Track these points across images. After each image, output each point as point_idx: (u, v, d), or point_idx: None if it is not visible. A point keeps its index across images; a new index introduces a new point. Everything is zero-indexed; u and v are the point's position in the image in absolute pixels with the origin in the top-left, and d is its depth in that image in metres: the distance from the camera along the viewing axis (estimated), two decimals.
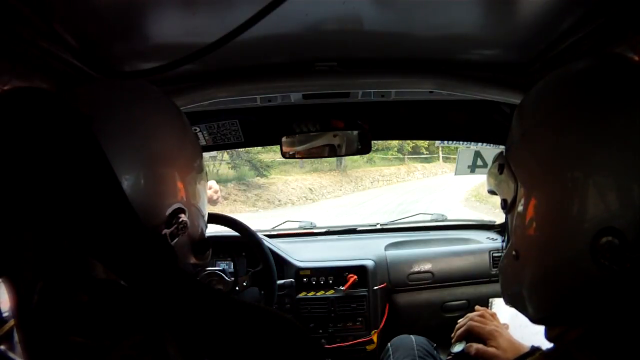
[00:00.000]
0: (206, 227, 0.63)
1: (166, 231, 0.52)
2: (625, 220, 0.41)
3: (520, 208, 0.49)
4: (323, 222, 2.04)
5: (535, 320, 0.51)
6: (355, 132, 1.23)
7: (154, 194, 0.51)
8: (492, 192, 0.57)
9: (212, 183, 1.47)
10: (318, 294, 1.40)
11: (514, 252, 0.50)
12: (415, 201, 10.15)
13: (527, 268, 0.49)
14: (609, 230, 0.41)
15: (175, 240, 0.53)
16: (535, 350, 0.59)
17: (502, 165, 0.52)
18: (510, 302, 0.55)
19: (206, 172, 0.62)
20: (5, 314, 0.75)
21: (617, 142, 0.42)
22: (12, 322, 0.72)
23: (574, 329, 0.46)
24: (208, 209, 1.20)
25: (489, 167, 0.57)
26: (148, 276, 0.44)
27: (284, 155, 1.25)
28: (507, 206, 0.51)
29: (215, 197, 1.46)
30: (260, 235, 1.18)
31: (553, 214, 0.45)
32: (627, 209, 0.41)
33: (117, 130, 0.49)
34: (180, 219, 0.53)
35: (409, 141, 14.79)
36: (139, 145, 0.50)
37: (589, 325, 0.45)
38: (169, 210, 0.52)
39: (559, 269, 0.45)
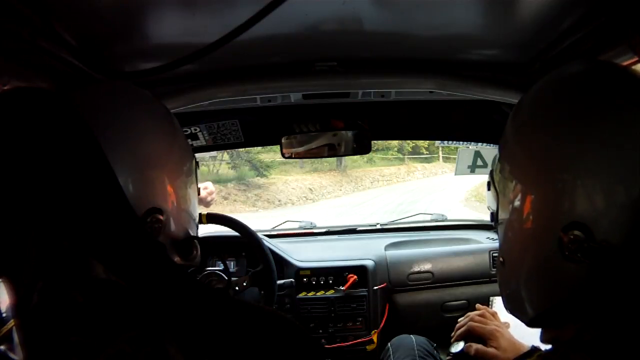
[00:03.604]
0: (195, 228, 0.63)
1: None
2: (589, 215, 0.42)
3: (500, 216, 0.53)
4: (323, 222, 2.04)
5: (527, 322, 0.53)
6: (355, 132, 1.23)
7: (136, 195, 0.51)
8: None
9: (208, 184, 1.45)
10: (318, 294, 1.40)
11: (501, 259, 0.54)
12: (415, 201, 10.16)
13: (512, 272, 0.52)
14: (575, 225, 0.43)
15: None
16: (534, 351, 0.59)
17: (488, 182, 0.57)
18: (506, 306, 0.57)
19: (196, 176, 0.63)
20: (5, 314, 0.75)
21: (582, 143, 0.44)
22: (12, 323, 0.72)
23: (567, 330, 0.47)
24: (204, 210, 1.19)
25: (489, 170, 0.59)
26: (149, 276, 0.44)
27: (283, 155, 1.25)
28: (495, 218, 0.56)
29: (209, 198, 1.43)
30: (260, 235, 1.18)
31: (525, 216, 0.48)
32: (592, 204, 0.43)
33: (106, 133, 0.49)
34: (154, 220, 0.53)
35: (409, 141, 14.80)
36: (126, 148, 0.51)
37: (581, 325, 0.45)
38: (142, 211, 0.52)
39: (537, 269, 0.47)
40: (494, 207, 0.55)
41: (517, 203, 0.48)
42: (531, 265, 0.48)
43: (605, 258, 0.42)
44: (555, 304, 0.47)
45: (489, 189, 0.57)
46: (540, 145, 0.46)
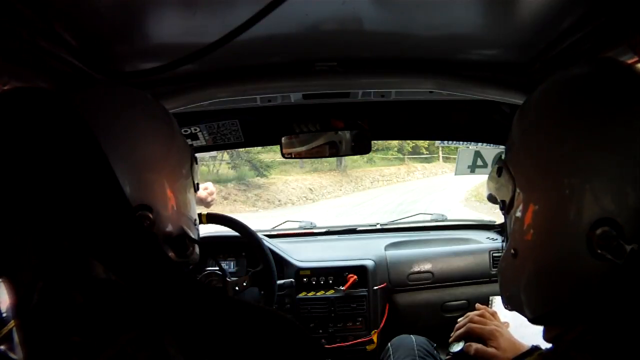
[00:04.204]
0: (194, 227, 0.63)
1: None
2: (621, 212, 0.42)
3: (518, 206, 0.50)
4: (323, 222, 2.04)
5: (533, 319, 0.52)
6: (355, 132, 1.23)
7: (129, 193, 0.52)
8: (491, 199, 0.58)
9: (208, 184, 1.45)
10: (318, 294, 1.40)
11: (512, 251, 0.52)
12: (415, 201, 10.16)
13: (526, 265, 0.50)
14: (606, 221, 0.42)
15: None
16: (534, 350, 0.59)
17: (500, 168, 0.54)
18: (509, 303, 0.56)
19: (192, 175, 0.64)
20: (5, 314, 0.75)
21: (610, 142, 0.43)
22: (12, 323, 0.72)
23: (572, 330, 0.46)
24: (204, 210, 1.19)
25: (489, 172, 0.58)
26: (149, 276, 0.44)
27: (284, 155, 1.25)
28: (506, 207, 0.53)
29: (209, 198, 1.43)
30: (260, 235, 1.18)
31: (550, 209, 0.46)
32: (623, 201, 0.42)
33: (105, 133, 0.49)
34: (143, 216, 0.53)
35: (409, 141, 14.80)
36: (124, 148, 0.52)
37: (587, 325, 0.45)
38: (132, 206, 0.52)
39: (557, 263, 0.46)
40: (508, 195, 0.52)
41: (541, 196, 0.47)
42: (553, 257, 0.46)
43: (634, 257, 0.41)
44: (567, 301, 0.46)
45: (499, 175, 0.54)
46: (571, 145, 0.45)
